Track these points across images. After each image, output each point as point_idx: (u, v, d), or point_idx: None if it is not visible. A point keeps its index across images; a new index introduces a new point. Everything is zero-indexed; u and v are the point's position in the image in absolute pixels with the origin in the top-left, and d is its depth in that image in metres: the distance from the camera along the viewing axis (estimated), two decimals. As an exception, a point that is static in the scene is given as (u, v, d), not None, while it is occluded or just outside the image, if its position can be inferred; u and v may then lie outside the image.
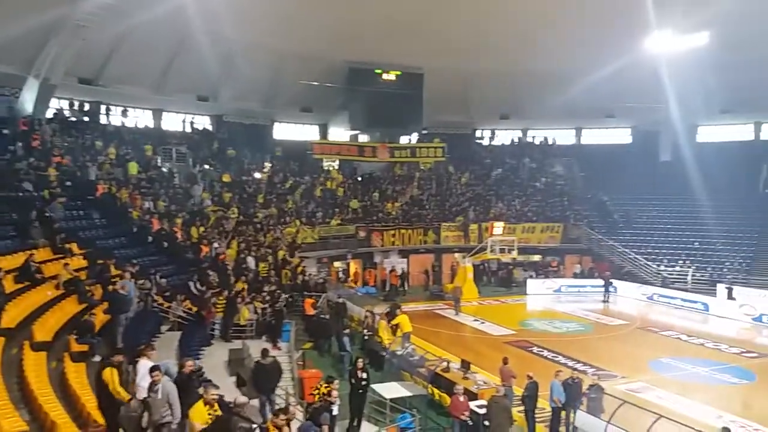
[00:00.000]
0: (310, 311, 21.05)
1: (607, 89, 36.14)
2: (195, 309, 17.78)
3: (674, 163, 37.93)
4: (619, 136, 43.58)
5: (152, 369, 8.82)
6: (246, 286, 20.70)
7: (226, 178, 31.60)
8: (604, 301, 30.35)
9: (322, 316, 21.09)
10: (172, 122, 34.76)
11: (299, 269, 25.72)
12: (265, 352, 13.21)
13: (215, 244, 23.52)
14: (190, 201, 27.83)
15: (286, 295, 21.84)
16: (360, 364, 13.85)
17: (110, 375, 9.05)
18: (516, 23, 31.80)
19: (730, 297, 27.50)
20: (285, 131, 40.27)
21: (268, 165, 35.69)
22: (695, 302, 28.55)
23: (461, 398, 12.71)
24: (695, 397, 16.24)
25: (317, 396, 12.04)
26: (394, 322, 19.74)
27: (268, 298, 19.58)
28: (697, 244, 33.45)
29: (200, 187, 29.24)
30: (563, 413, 13.46)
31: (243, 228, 27.23)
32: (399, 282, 32.24)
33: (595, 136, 44.07)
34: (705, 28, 29.08)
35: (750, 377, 18.39)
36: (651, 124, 39.85)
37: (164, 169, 29.83)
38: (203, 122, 36.39)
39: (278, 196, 32.95)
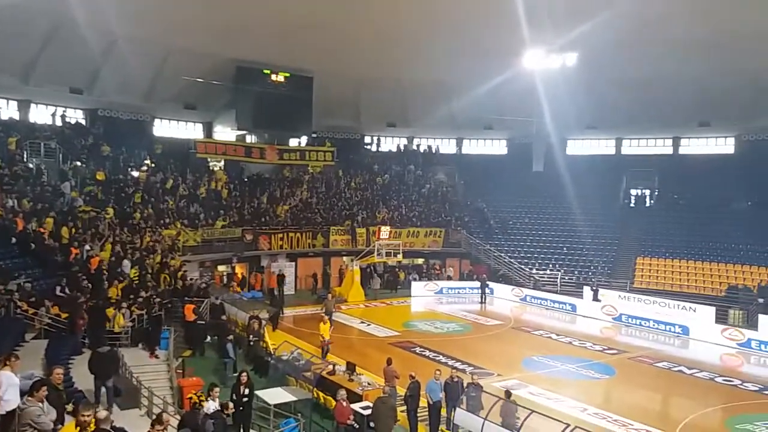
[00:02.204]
0: (191, 317, 20.33)
1: (486, 102, 38.26)
2: (64, 315, 16.58)
3: (546, 174, 40.96)
4: (497, 147, 46.14)
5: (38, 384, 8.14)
6: (120, 292, 19.61)
7: (100, 176, 29.64)
8: (481, 303, 31.97)
9: (200, 321, 20.49)
10: (41, 115, 32.09)
11: (180, 273, 24.72)
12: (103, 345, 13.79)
13: (87, 247, 22.02)
14: (60, 200, 25.85)
15: (165, 301, 20.95)
16: (244, 378, 13.12)
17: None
18: (402, 34, 32.59)
19: (595, 298, 29.99)
20: (166, 128, 38.54)
21: (147, 163, 33.90)
22: (564, 303, 30.83)
23: (344, 403, 12.81)
24: (563, 392, 17.53)
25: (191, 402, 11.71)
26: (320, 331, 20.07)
27: (144, 303, 18.66)
28: (565, 249, 36.17)
29: (71, 185, 27.25)
30: (443, 411, 14.04)
31: (118, 229, 25.71)
32: (276, 286, 31.37)
33: (474, 147, 46.34)
34: (574, 48, 31.62)
35: (611, 372, 20.15)
36: (525, 137, 42.68)
37: (31, 165, 27.48)
38: (76, 116, 33.92)
39: (157, 196, 31.43)
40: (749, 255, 30.08)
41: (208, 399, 11.74)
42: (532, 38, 30.28)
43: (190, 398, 11.78)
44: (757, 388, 18.65)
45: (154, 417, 11.07)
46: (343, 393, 12.84)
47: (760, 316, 24.54)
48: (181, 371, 16.46)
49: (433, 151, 45.30)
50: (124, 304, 17.83)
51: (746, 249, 30.49)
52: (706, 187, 35.58)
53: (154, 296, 19.82)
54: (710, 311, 26.14)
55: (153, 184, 32.22)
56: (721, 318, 26.02)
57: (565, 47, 31.46)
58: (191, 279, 25.50)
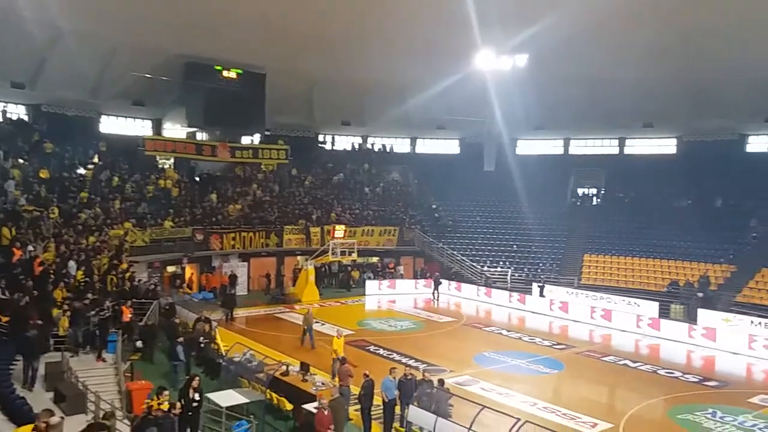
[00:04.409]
0: (127, 318, 19.85)
1: (439, 102, 38.72)
2: (5, 319, 15.92)
3: (496, 173, 41.77)
4: (449, 146, 46.70)
5: None
6: (65, 294, 18.96)
7: (43, 174, 28.55)
8: (433, 300, 32.30)
9: (150, 323, 20.02)
10: (-21, 111, 30.78)
11: (127, 275, 24.07)
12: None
13: (30, 247, 21.18)
14: (2, 198, 24.77)
15: (113, 303, 20.37)
16: (195, 383, 12.72)
17: None
18: (355, 33, 32.62)
19: (542, 294, 30.78)
20: (114, 125, 37.39)
21: (93, 161, 32.82)
22: (513, 300, 31.45)
23: (325, 412, 12.11)
24: (514, 387, 17.92)
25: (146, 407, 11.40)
26: (333, 347, 18.02)
27: (91, 306, 18.10)
28: (515, 246, 36.95)
29: (13, 183, 26.13)
30: (398, 409, 14.15)
31: (63, 229, 24.82)
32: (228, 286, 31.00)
33: (427, 146, 46.77)
34: (524, 50, 32.27)
35: (559, 367, 20.70)
36: (477, 137, 43.40)
37: (-33, 163, 26.28)
38: (18, 111, 32.62)
39: (104, 195, 30.50)
40: (690, 252, 31.36)
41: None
42: (483, 39, 30.78)
43: (148, 404, 11.43)
44: (697, 380, 19.50)
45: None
46: (325, 402, 12.50)
47: (700, 310, 25.70)
48: (129, 375, 16.10)
49: (387, 150, 45.51)
50: (68, 307, 17.27)
51: (687, 246, 31.78)
52: (650, 187, 36.93)
53: (102, 298, 19.24)
54: (654, 306, 27.22)
55: (99, 182, 31.26)
56: (664, 312, 27.11)
57: (515, 49, 32.09)
58: (139, 280, 24.88)
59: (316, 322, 26.26)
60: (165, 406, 11.19)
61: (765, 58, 30.58)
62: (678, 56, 31.96)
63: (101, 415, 11.00)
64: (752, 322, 23.86)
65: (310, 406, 13.50)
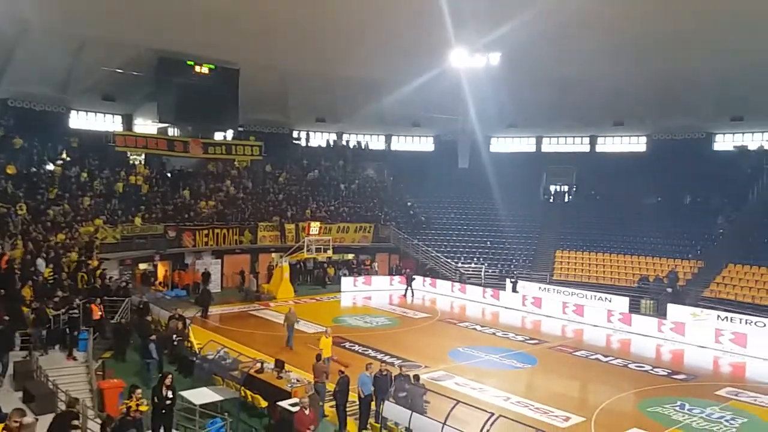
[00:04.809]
0: (97, 316, 19.53)
1: (414, 100, 38.87)
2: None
3: (470, 170, 42.13)
4: (424, 144, 46.88)
5: None
6: (33, 292, 18.57)
7: (11, 170, 27.89)
8: (405, 296, 32.54)
9: (122, 321, 19.71)
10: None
11: (98, 272, 23.66)
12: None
13: (-4, 245, 20.70)
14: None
15: (83, 301, 20.02)
16: (168, 381, 12.58)
17: None
18: (330, 29, 32.50)
19: (514, 290, 31.13)
20: (83, 120, 36.68)
21: (62, 157, 32.13)
22: (488, 296, 31.74)
23: (306, 411, 11.94)
24: (488, 382, 18.07)
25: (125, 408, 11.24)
26: (321, 346, 17.25)
27: (60, 304, 17.77)
28: (489, 243, 37.28)
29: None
30: (373, 404, 14.18)
31: (31, 226, 24.27)
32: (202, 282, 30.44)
33: (403, 143, 46.87)
34: (497, 48, 32.54)
35: (532, 361, 20.96)
36: (451, 134, 43.69)
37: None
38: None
39: (74, 191, 29.91)
40: (659, 248, 31.99)
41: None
42: (457, 38, 30.97)
43: (126, 405, 11.22)
44: (666, 373, 19.93)
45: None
46: (305, 400, 12.39)
47: (669, 305, 26.26)
48: (101, 373, 15.85)
49: (363, 146, 45.45)
50: (37, 305, 16.93)
51: (656, 242, 32.41)
52: (621, 184, 37.52)
53: (71, 296, 18.90)
54: (624, 301, 27.74)
55: (69, 178, 30.65)
56: (635, 307, 27.64)
57: (488, 47, 32.33)
58: (110, 278, 24.47)
59: (292, 320, 26.29)
60: (144, 408, 11.07)
61: (730, 59, 31.37)
62: (647, 56, 32.61)
63: (66, 402, 10.88)
64: (719, 316, 24.46)
65: (286, 403, 13.47)
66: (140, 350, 18.09)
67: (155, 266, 30.96)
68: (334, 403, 14.13)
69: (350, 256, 37.99)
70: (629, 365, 20.78)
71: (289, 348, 21.14)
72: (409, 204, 41.10)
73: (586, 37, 31.35)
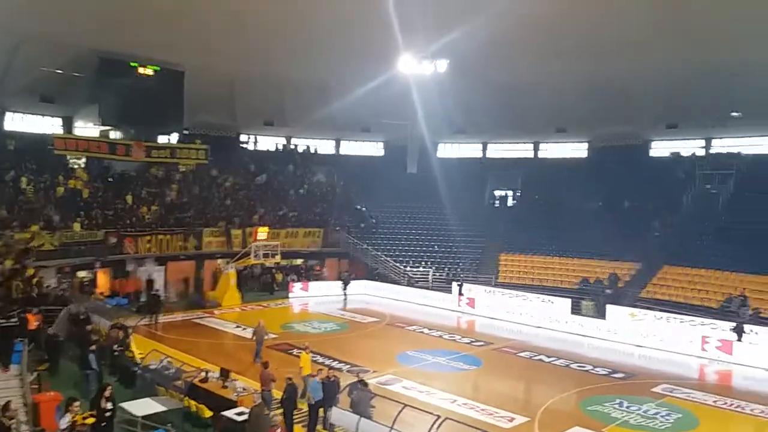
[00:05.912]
0: (33, 326, 18.79)
1: (364, 104, 38.76)
2: None
3: (419, 175, 42.64)
4: (374, 148, 47.10)
5: None
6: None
7: (-62, 174, 26.57)
8: (344, 298, 33.01)
9: (53, 332, 18.99)
10: None
11: (34, 280, 22.74)
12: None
13: None
14: None
15: (18, 310, 19.19)
16: (108, 392, 12.21)
17: None
18: (276, 31, 32.10)
19: (461, 293, 31.61)
20: (20, 123, 35.13)
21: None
22: (435, 299, 32.09)
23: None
24: (435, 384, 18.31)
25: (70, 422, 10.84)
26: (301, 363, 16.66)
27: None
28: (436, 247, 37.73)
29: None
30: (321, 411, 14.14)
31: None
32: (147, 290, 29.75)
33: (352, 148, 46.95)
34: (444, 56, 32.97)
35: (478, 363, 21.36)
36: (400, 139, 44.04)
37: None
38: None
39: (9, 196, 28.62)
40: (600, 250, 32.95)
41: (67, 413, 10.93)
42: (405, 43, 31.14)
43: (72, 418, 10.79)
44: (606, 372, 20.64)
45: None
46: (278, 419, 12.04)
47: (608, 306, 27.20)
48: (36, 386, 15.20)
49: (312, 151, 45.24)
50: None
51: (597, 245, 33.39)
52: (563, 189, 38.55)
53: (6, 305, 18.12)
54: (566, 303, 28.55)
55: (5, 183, 29.32)
56: (576, 309, 28.49)
57: (436, 54, 32.69)
58: (47, 286, 23.55)
59: (238, 327, 25.93)
60: (90, 421, 10.72)
61: (666, 68, 32.79)
62: (588, 65, 33.66)
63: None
64: (655, 316, 25.52)
65: (231, 413, 13.30)
66: (79, 361, 17.48)
67: (95, 274, 29.91)
68: (281, 410, 14.02)
69: (299, 262, 37.73)
70: (571, 365, 21.42)
71: (255, 362, 19.70)
72: (358, 208, 41.13)
73: (530, 45, 32.13)
